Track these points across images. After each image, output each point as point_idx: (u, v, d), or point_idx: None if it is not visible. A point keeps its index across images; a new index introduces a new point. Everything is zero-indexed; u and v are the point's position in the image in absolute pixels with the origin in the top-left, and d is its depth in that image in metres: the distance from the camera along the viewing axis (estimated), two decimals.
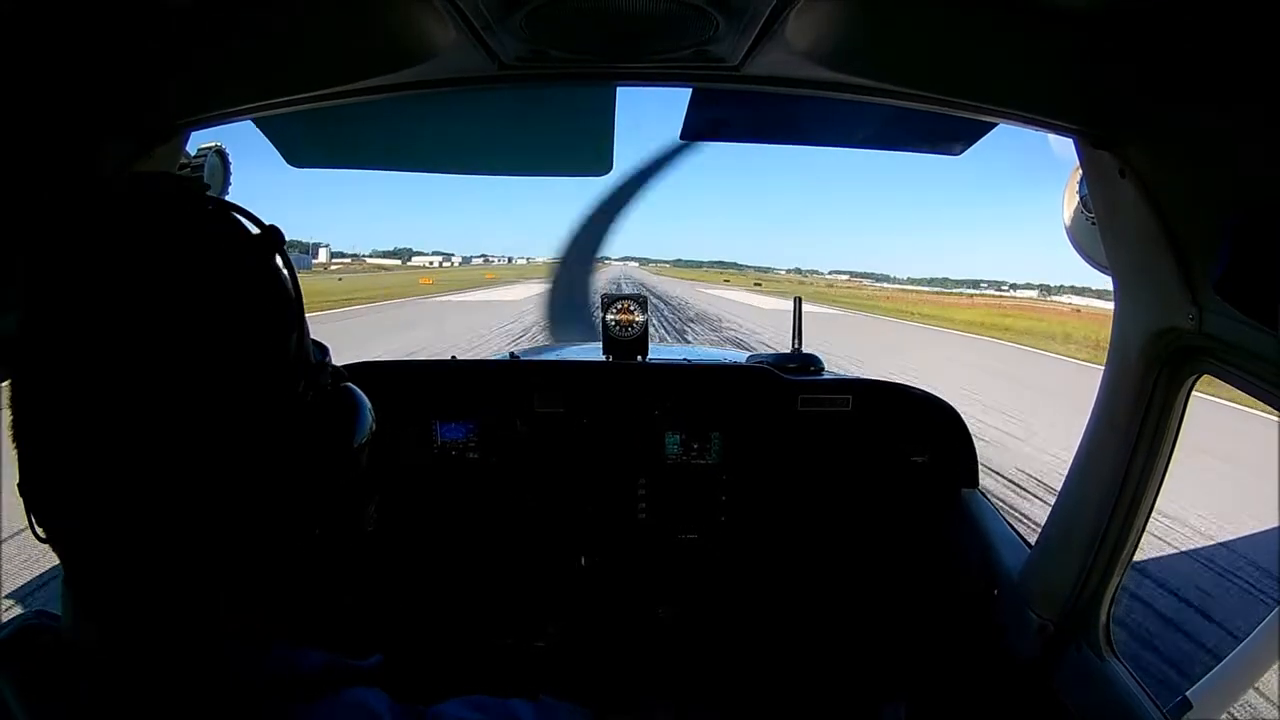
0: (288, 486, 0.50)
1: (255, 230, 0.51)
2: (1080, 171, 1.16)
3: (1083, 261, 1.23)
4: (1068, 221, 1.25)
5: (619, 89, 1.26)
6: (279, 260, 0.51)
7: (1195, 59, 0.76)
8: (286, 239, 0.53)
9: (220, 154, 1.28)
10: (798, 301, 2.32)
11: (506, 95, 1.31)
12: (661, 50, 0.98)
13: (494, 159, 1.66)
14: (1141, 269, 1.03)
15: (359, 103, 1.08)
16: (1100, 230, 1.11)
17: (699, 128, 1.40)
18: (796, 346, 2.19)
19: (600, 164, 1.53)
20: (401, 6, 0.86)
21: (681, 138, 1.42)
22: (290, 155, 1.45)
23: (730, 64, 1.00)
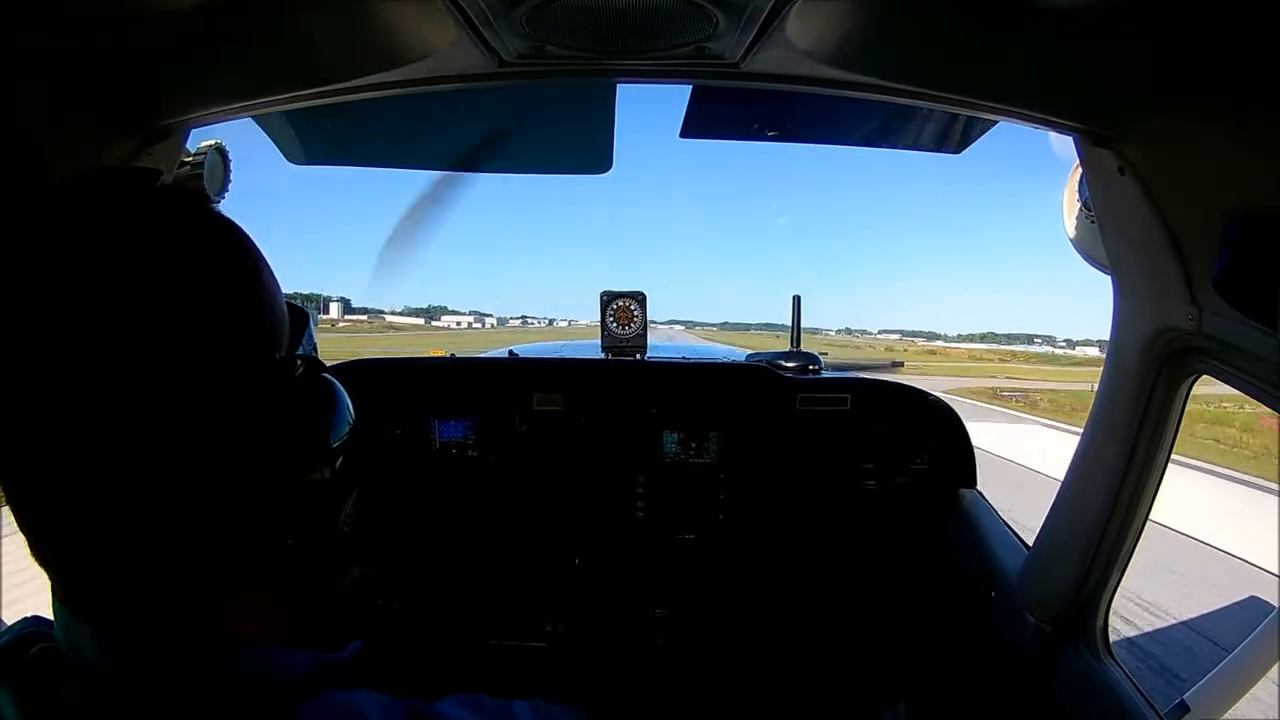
0: (257, 488, 0.48)
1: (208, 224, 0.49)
2: (1079, 171, 1.16)
3: (1084, 262, 1.23)
4: (1068, 220, 1.25)
5: (619, 86, 1.26)
6: (234, 252, 0.49)
7: (1195, 59, 0.76)
8: (267, 260, 0.50)
9: (220, 151, 1.28)
10: (796, 300, 2.31)
11: (507, 93, 1.31)
12: (661, 47, 0.98)
13: (494, 156, 1.66)
14: (1141, 268, 1.02)
15: (359, 100, 1.07)
16: (1100, 228, 1.11)
17: (699, 125, 1.40)
18: (795, 345, 2.19)
19: (600, 162, 1.53)
20: (401, 4, 0.86)
21: (681, 135, 1.41)
22: (290, 152, 1.45)
23: (730, 61, 1.00)
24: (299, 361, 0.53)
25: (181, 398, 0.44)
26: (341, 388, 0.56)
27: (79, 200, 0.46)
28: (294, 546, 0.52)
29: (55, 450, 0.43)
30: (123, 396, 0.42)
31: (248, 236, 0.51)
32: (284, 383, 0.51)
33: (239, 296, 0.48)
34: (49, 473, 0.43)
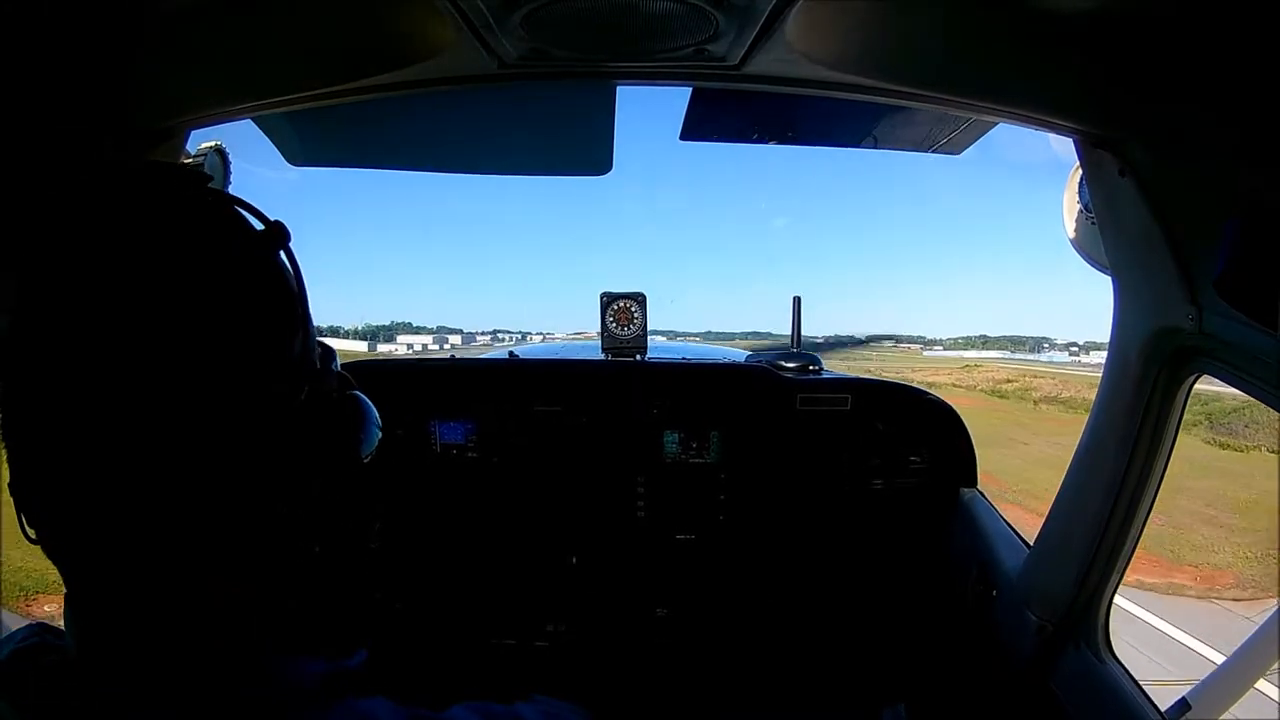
0: (285, 496, 0.48)
1: (259, 226, 0.49)
2: (1079, 172, 1.16)
3: (1084, 262, 1.23)
4: (1068, 222, 1.25)
5: (619, 88, 1.27)
6: (283, 259, 0.49)
7: (1195, 59, 0.76)
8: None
9: (220, 153, 1.29)
10: (796, 302, 2.32)
11: (507, 94, 1.31)
12: (661, 49, 0.98)
13: (494, 158, 1.67)
14: (1141, 268, 1.03)
15: (359, 101, 1.07)
16: (1100, 229, 1.11)
17: (698, 127, 1.40)
18: (795, 346, 2.19)
19: (600, 163, 1.53)
20: (402, 6, 0.86)
21: (681, 138, 1.42)
22: (290, 154, 1.45)
23: (730, 63, 1.00)
24: (333, 378, 0.54)
25: (221, 401, 0.44)
26: (370, 403, 0.56)
27: (130, 200, 0.46)
28: (319, 554, 0.52)
29: (84, 447, 0.42)
30: (160, 394, 0.42)
31: (290, 248, 0.51)
32: (320, 394, 0.51)
33: (286, 303, 0.48)
34: (80, 471, 0.43)
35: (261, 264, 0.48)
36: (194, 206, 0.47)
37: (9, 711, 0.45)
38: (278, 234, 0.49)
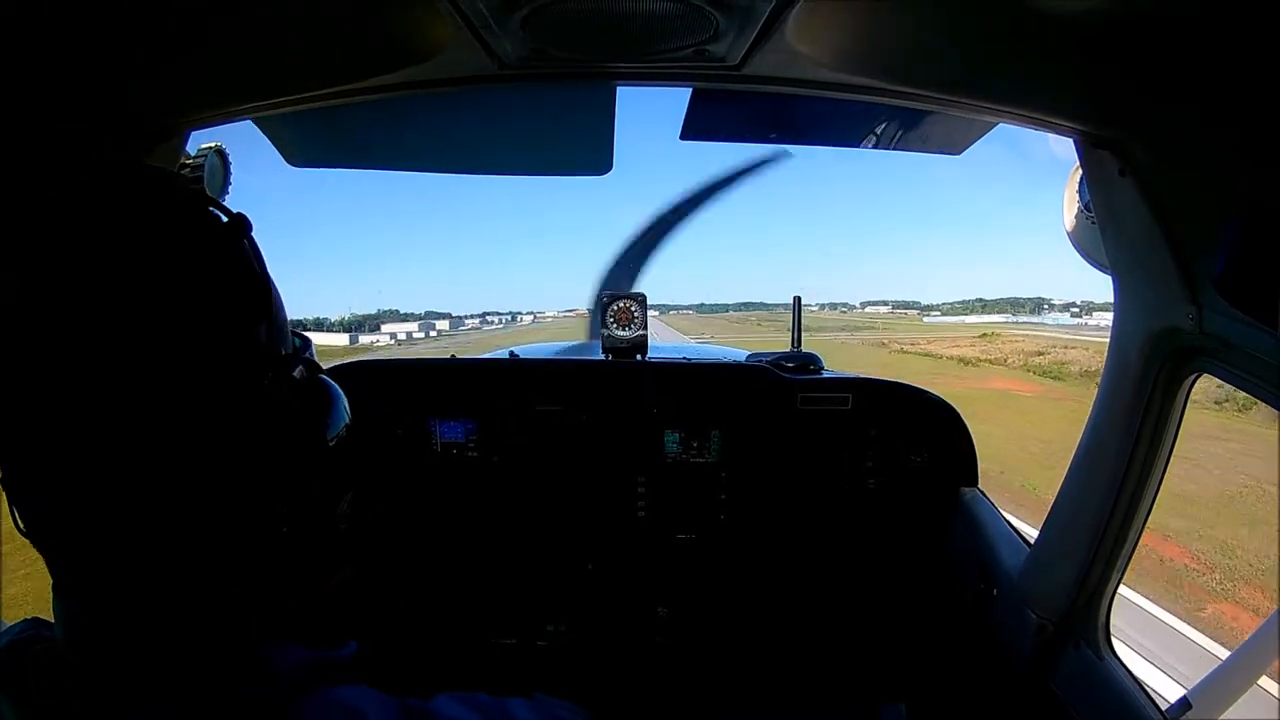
0: (252, 478, 0.49)
1: (223, 219, 0.50)
2: (1080, 171, 1.17)
3: (1084, 262, 1.23)
4: (1068, 220, 1.26)
5: (619, 88, 1.27)
6: (247, 249, 0.51)
7: (1195, 60, 0.76)
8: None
9: (220, 154, 1.28)
10: (797, 301, 2.32)
11: (507, 95, 1.31)
12: (661, 50, 0.98)
13: (494, 158, 1.67)
14: (1141, 268, 1.03)
15: (359, 102, 1.08)
16: (1100, 229, 1.11)
17: (698, 127, 1.40)
18: (795, 345, 2.19)
19: (600, 163, 1.54)
20: (402, 6, 0.86)
21: (681, 137, 1.42)
22: (290, 155, 1.45)
23: (730, 64, 1.00)
24: (300, 364, 0.55)
25: (190, 385, 0.45)
26: (338, 388, 0.57)
27: (95, 196, 0.47)
28: (288, 535, 0.53)
29: (61, 432, 0.43)
30: (132, 379, 0.43)
31: (253, 238, 0.52)
32: (286, 379, 0.52)
33: (250, 292, 0.50)
34: (56, 450, 0.44)
35: (223, 256, 0.49)
36: (158, 202, 0.49)
37: (9, 710, 0.46)
38: (239, 225, 0.50)
